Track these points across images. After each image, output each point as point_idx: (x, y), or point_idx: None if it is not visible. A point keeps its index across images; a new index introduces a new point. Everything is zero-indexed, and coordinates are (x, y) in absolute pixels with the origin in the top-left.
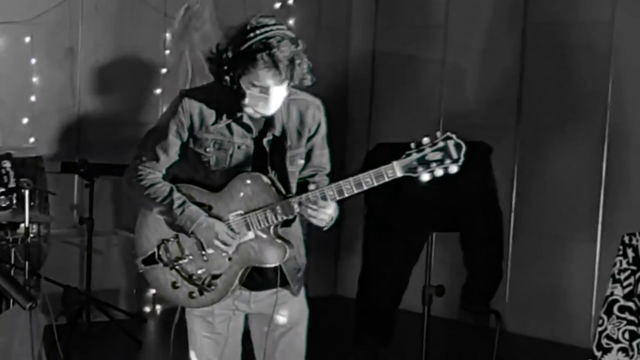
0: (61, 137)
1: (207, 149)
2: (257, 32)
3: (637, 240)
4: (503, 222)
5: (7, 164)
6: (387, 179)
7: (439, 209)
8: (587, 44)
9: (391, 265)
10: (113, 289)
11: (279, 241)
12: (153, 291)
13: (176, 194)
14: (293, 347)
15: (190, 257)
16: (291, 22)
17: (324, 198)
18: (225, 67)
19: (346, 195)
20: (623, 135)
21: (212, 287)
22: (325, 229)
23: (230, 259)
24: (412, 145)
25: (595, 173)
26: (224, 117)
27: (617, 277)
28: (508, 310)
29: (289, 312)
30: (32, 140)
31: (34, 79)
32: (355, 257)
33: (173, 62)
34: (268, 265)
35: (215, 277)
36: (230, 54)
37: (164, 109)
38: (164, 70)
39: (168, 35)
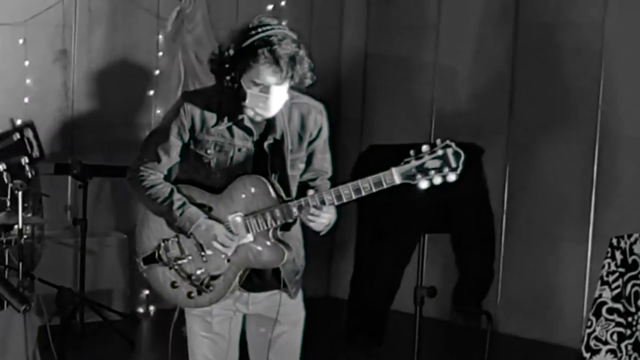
0: (55, 139)
1: (208, 151)
2: (259, 29)
3: (626, 243)
4: (494, 223)
5: (29, 133)
6: (385, 186)
7: (431, 210)
8: (578, 44)
9: (383, 266)
10: (106, 289)
11: (278, 244)
12: (147, 292)
13: (176, 195)
14: (288, 349)
15: (190, 257)
16: (283, 23)
17: (323, 203)
18: (227, 66)
19: (345, 200)
20: (614, 136)
21: (211, 288)
22: (322, 233)
23: (229, 260)
24: (412, 152)
25: (586, 174)
26: (225, 119)
27: (605, 279)
28: (500, 311)
29: (285, 314)
30: None
31: (28, 81)
32: (348, 258)
33: (166, 64)
34: (267, 268)
35: (213, 277)
36: (231, 52)
37: (157, 111)
38: (157, 72)
39: (161, 37)
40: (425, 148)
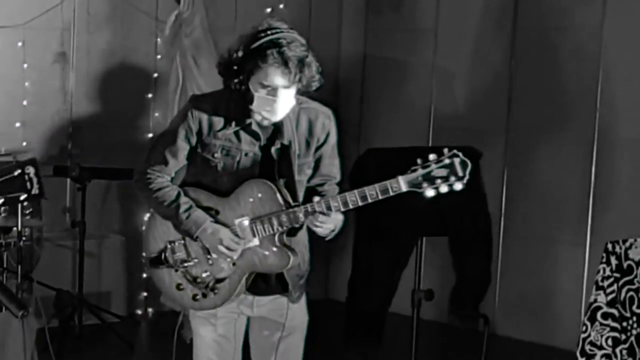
0: (53, 141)
1: (215, 155)
2: (269, 32)
3: (621, 248)
4: (492, 226)
5: (30, 170)
6: (392, 193)
7: (428, 214)
8: (576, 47)
9: (381, 269)
10: (105, 291)
11: (284, 249)
12: (145, 294)
13: (183, 199)
14: (291, 352)
15: (196, 260)
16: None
17: (329, 209)
18: (235, 67)
19: (351, 207)
20: (612, 139)
21: (216, 291)
22: (327, 238)
23: (234, 263)
24: (419, 160)
25: (584, 177)
26: (233, 123)
27: (600, 284)
28: (498, 314)
29: (288, 317)
30: (24, 144)
31: (27, 83)
32: (347, 261)
33: (164, 67)
34: (272, 272)
35: (219, 281)
36: (240, 53)
37: (156, 114)
38: (155, 75)
39: (159, 39)
40: (432, 156)
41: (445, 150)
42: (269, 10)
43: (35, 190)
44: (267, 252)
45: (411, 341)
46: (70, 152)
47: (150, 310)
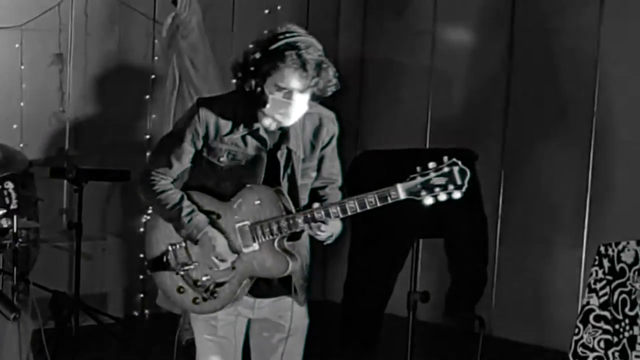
0: (50, 143)
1: (221, 159)
2: (287, 35)
3: (613, 251)
4: (487, 228)
5: (9, 185)
6: (390, 201)
7: (424, 216)
8: (574, 49)
9: (376, 271)
10: (102, 293)
11: (283, 254)
12: (141, 295)
13: (186, 202)
14: (291, 354)
15: (197, 263)
16: None
17: (328, 215)
18: (252, 68)
19: (349, 214)
20: (609, 141)
21: (215, 295)
22: (325, 243)
23: (234, 268)
24: (418, 168)
25: (581, 179)
26: (240, 128)
27: (593, 286)
28: (494, 315)
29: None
30: (21, 145)
31: (24, 85)
32: (344, 263)
33: (162, 68)
34: (271, 277)
35: (219, 285)
36: (258, 55)
37: (153, 115)
38: (152, 77)
39: (157, 41)
40: (431, 164)
41: (445, 159)
42: (266, 11)
43: (13, 205)
44: (266, 257)
45: (407, 343)
46: (67, 154)
47: (146, 311)
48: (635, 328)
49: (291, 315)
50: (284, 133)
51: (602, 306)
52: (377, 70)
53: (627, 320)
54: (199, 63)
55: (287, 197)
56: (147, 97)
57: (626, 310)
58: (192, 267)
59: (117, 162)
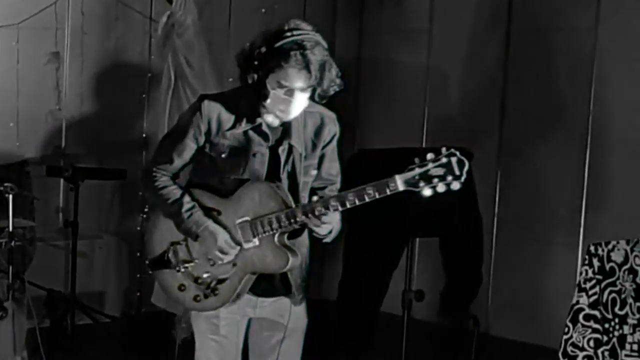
0: (46, 141)
1: (223, 155)
2: (294, 32)
3: (603, 250)
4: (483, 227)
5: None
6: (389, 192)
7: (419, 214)
8: (570, 49)
9: (372, 270)
10: (98, 291)
11: (283, 249)
12: (138, 294)
13: (186, 198)
14: (289, 354)
15: (197, 260)
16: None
17: (327, 208)
18: (256, 62)
19: (348, 206)
20: (605, 140)
21: (217, 292)
22: (325, 240)
23: (234, 264)
24: (416, 160)
25: (577, 178)
26: (243, 123)
27: (582, 286)
28: (490, 314)
29: (289, 319)
30: (17, 144)
31: (20, 83)
32: (340, 261)
33: (158, 66)
34: (271, 273)
35: (220, 281)
36: (263, 49)
37: (149, 114)
38: (149, 75)
39: (154, 39)
40: (429, 156)
41: (443, 150)
42: (263, 10)
43: None
44: (265, 253)
45: (402, 341)
46: (64, 152)
47: (143, 310)
48: (625, 327)
49: (289, 315)
50: (285, 129)
51: (592, 305)
52: (374, 69)
53: (616, 320)
54: (195, 61)
55: (286, 193)
56: (144, 95)
57: (616, 309)
58: (192, 264)
59: (113, 160)
